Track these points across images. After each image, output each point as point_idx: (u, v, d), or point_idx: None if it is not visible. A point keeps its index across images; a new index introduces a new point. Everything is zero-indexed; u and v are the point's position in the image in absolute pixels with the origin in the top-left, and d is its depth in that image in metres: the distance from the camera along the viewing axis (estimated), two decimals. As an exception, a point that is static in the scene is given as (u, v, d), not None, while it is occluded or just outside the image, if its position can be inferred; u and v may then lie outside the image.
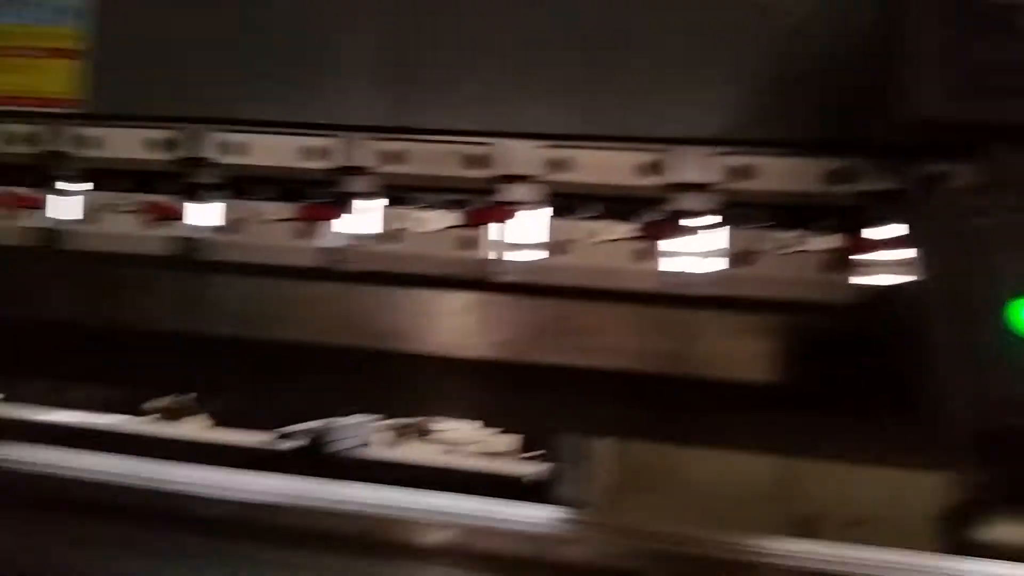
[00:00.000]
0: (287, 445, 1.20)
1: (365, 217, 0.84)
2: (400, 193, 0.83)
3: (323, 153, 0.84)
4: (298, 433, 1.23)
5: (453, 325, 0.82)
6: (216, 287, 0.86)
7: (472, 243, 0.80)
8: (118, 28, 0.89)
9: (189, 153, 0.86)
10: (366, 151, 0.83)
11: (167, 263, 0.85)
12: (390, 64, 0.83)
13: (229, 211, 0.85)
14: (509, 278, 0.79)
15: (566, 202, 0.80)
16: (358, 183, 0.84)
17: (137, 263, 0.86)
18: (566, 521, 0.91)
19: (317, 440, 1.22)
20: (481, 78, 0.81)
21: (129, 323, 0.86)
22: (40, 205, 0.88)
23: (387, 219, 0.82)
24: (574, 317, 0.78)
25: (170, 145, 0.87)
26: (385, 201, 0.83)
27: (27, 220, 0.88)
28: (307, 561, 0.87)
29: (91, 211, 0.87)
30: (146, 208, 0.85)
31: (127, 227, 0.86)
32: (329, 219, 0.83)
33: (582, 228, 0.78)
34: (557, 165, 0.80)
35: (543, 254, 0.79)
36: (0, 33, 0.91)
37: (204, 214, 0.85)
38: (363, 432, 1.29)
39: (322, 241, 0.83)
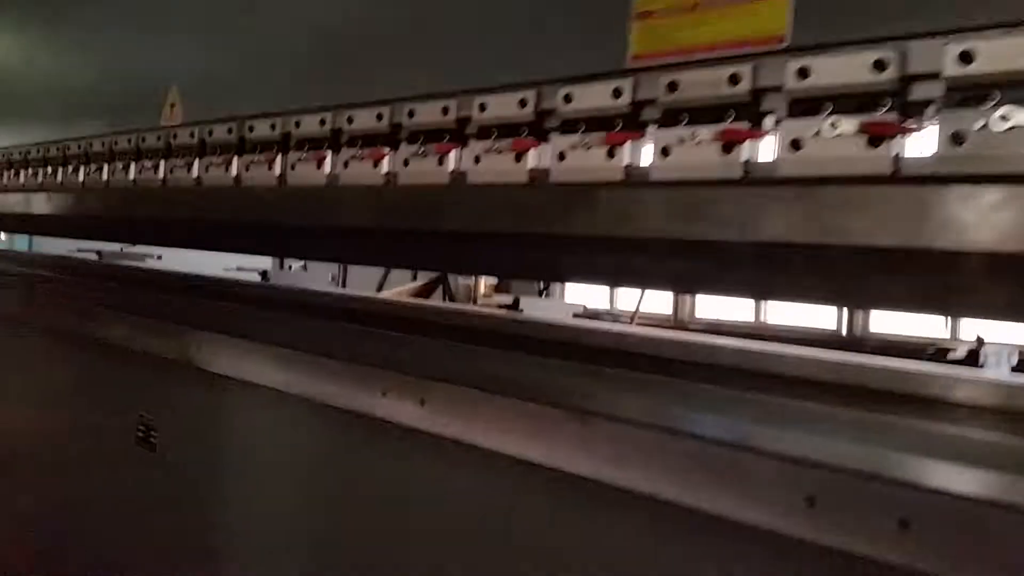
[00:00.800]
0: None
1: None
2: None
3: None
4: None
5: None
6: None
7: None
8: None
9: (902, 72, 0.86)
10: None
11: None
12: None
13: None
14: None
15: None
16: None
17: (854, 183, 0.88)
18: None
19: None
20: None
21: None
22: (756, 138, 0.97)
23: None
24: None
25: (880, 65, 0.88)
26: None
27: (742, 154, 0.97)
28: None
29: (805, 139, 0.92)
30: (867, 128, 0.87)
31: (844, 150, 0.89)
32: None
33: None
34: None
35: None
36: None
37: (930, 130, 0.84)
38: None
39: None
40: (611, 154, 1.10)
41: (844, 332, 5.82)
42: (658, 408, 1.05)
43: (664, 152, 1.04)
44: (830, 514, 0.86)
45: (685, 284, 1.28)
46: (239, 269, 2.57)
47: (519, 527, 1.24)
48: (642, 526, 1.09)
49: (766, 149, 1.00)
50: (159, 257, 3.53)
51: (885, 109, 0.88)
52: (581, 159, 1.13)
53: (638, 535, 1.09)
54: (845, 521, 0.85)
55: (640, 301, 7.14)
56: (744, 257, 0.97)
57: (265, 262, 3.24)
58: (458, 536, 1.34)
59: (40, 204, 2.47)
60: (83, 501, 2.32)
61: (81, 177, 2.28)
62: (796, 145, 0.93)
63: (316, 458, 1.65)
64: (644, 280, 1.26)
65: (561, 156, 1.15)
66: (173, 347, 1.90)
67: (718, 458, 0.96)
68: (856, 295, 0.98)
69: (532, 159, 1.20)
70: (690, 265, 1.05)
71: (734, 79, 0.98)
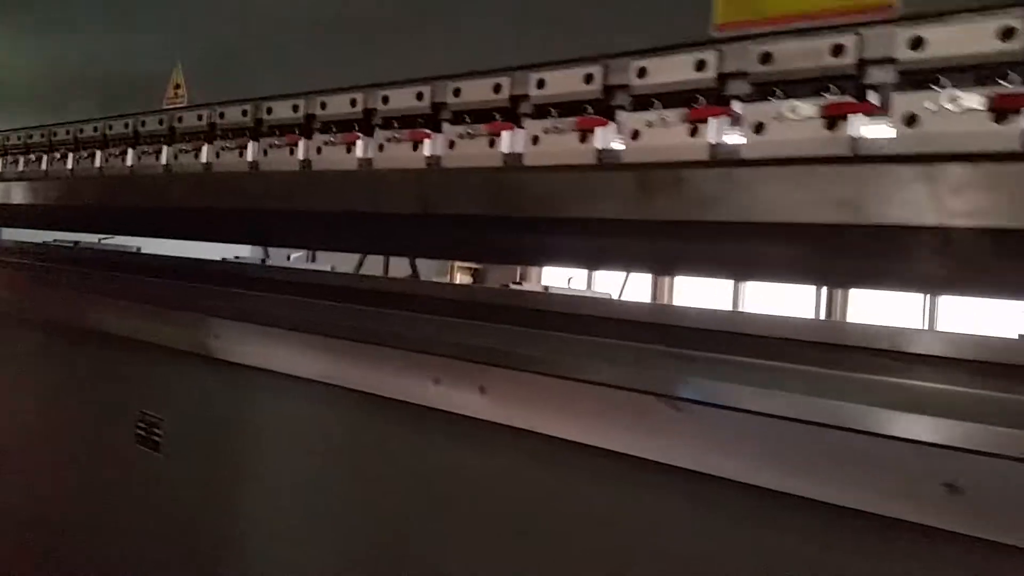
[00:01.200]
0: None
1: None
2: None
3: None
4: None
5: None
6: None
7: None
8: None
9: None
10: None
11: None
12: None
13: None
14: None
15: None
16: None
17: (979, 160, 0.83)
18: None
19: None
20: None
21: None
22: (866, 112, 0.91)
23: None
24: None
25: (1008, 33, 0.82)
26: None
27: (847, 130, 0.91)
28: None
29: (921, 114, 0.87)
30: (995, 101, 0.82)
31: (967, 125, 0.84)
32: None
33: None
34: None
35: None
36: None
37: None
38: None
39: None
40: (694, 132, 1.03)
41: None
42: (752, 392, 0.99)
43: (757, 129, 0.97)
44: (974, 502, 0.82)
45: (782, 273, 1.22)
46: (237, 259, 2.47)
47: (599, 522, 1.18)
48: (744, 516, 1.03)
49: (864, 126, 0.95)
50: (138, 249, 3.37)
51: (1018, 82, 0.82)
52: (658, 138, 1.06)
53: (739, 527, 1.04)
54: (991, 509, 0.81)
55: (623, 287, 7.15)
56: (856, 241, 0.91)
57: (258, 253, 3.13)
58: (525, 532, 1.28)
59: (20, 194, 2.34)
60: (78, 504, 2.20)
61: (70, 164, 2.15)
62: (911, 121, 0.88)
63: (355, 455, 1.56)
64: (733, 269, 1.19)
65: (635, 135, 1.08)
66: (189, 338, 1.80)
67: (837, 444, 0.90)
68: (980, 283, 0.93)
69: (599, 139, 1.13)
70: (789, 251, 0.99)
71: (838, 50, 0.92)
